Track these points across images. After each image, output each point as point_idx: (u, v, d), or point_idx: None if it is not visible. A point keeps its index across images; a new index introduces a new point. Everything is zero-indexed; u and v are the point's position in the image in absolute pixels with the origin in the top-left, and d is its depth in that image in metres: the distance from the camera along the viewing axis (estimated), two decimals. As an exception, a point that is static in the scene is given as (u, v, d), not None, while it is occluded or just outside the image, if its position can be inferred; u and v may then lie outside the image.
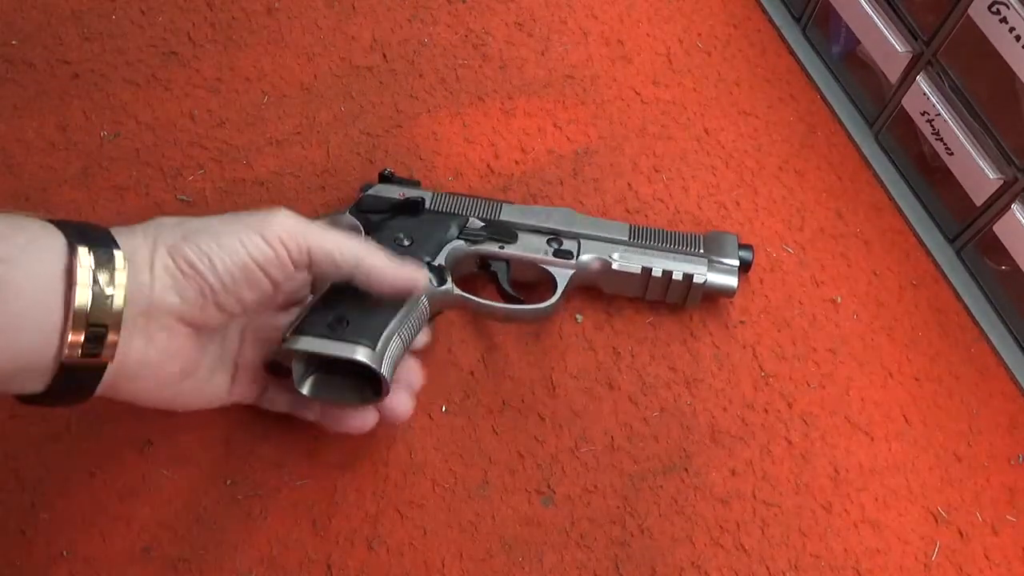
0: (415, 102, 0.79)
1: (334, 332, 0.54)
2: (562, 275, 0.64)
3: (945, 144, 0.71)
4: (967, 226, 0.72)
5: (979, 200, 0.69)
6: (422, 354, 0.64)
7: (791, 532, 0.62)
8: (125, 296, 0.46)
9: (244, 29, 0.82)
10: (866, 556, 0.62)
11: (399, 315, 0.56)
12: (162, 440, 0.62)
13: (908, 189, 0.77)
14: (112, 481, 0.60)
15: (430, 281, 0.60)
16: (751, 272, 0.72)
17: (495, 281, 0.64)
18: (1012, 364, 0.70)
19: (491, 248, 0.64)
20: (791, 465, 0.65)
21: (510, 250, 0.64)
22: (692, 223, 0.74)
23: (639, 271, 0.65)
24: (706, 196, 0.76)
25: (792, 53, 0.85)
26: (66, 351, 0.45)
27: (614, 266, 0.65)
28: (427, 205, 0.65)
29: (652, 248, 0.66)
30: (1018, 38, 0.61)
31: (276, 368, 0.60)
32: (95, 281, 0.44)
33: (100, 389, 0.48)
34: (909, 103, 0.73)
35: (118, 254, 0.46)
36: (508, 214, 0.66)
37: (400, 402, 0.58)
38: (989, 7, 0.63)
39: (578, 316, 0.69)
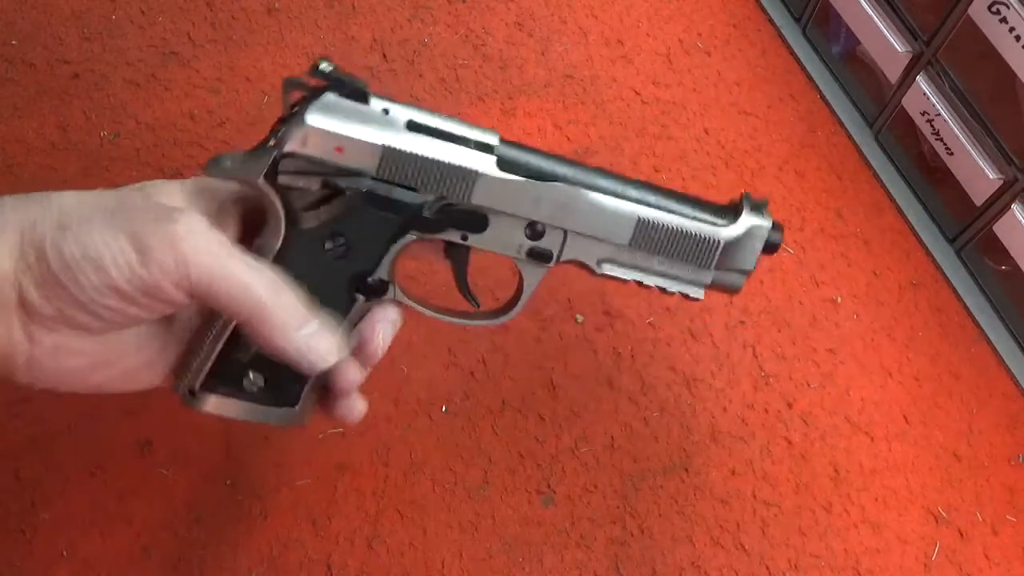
0: (415, 102, 0.79)
1: (249, 393, 0.47)
2: (532, 277, 0.51)
3: (945, 144, 0.71)
4: (967, 226, 0.72)
5: (979, 200, 0.69)
6: (420, 353, 0.64)
7: (791, 532, 0.62)
8: None
9: (244, 29, 0.82)
10: (866, 556, 0.62)
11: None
12: (162, 440, 0.62)
13: (908, 189, 0.77)
14: (112, 481, 0.60)
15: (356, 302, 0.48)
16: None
17: (454, 272, 0.51)
18: (1012, 364, 0.70)
19: (450, 237, 0.49)
20: (791, 465, 0.65)
21: (475, 241, 0.49)
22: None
23: (627, 281, 0.52)
24: (706, 196, 0.76)
25: (792, 53, 0.85)
26: None
27: (598, 273, 0.51)
28: (377, 172, 0.46)
29: (655, 254, 0.51)
30: (1018, 38, 0.61)
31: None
32: None
33: None
34: (909, 103, 0.73)
35: None
36: (482, 192, 0.47)
37: (349, 407, 0.50)
38: (989, 7, 0.63)
39: (578, 316, 0.69)
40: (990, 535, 0.63)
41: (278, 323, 0.43)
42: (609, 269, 0.51)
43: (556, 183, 0.48)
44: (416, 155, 0.46)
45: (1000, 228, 0.68)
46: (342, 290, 0.47)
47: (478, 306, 0.52)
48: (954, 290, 0.73)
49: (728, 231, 0.51)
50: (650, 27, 0.86)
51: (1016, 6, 0.61)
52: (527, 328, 0.68)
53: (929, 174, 0.76)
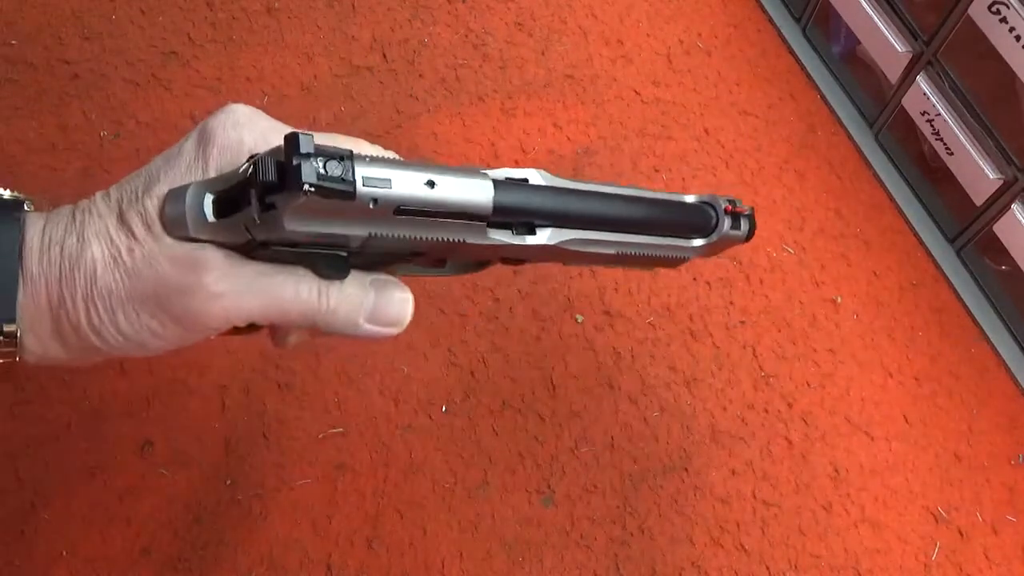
0: (415, 102, 0.79)
1: None
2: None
3: (945, 144, 0.71)
4: (967, 226, 0.72)
5: (979, 200, 0.69)
6: (420, 353, 0.64)
7: (791, 532, 0.62)
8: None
9: (244, 29, 0.82)
10: (866, 556, 0.62)
11: None
12: (162, 440, 0.62)
13: (908, 189, 0.77)
14: (112, 481, 0.60)
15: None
16: (751, 272, 0.72)
17: None
18: (1012, 364, 0.70)
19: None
20: (791, 465, 0.65)
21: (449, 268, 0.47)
22: (692, 223, 0.74)
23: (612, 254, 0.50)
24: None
25: (792, 53, 0.85)
26: None
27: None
28: (360, 247, 0.42)
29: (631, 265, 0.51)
30: (1018, 38, 0.61)
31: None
32: None
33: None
34: (909, 103, 0.73)
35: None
36: (469, 249, 0.45)
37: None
38: (989, 7, 0.63)
39: (578, 317, 0.69)
40: (990, 535, 0.63)
41: (338, 324, 0.42)
42: (588, 258, 0.49)
43: (544, 244, 0.46)
44: (403, 237, 0.42)
45: (1000, 228, 0.68)
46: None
47: (443, 266, 0.48)
48: (954, 290, 0.73)
49: (697, 244, 0.51)
50: (650, 27, 0.86)
51: (1016, 6, 0.61)
52: (527, 328, 0.68)
53: (929, 174, 0.76)
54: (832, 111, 0.82)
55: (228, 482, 0.61)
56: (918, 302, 0.73)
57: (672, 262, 0.52)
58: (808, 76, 0.84)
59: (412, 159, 0.42)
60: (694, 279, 0.72)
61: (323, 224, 0.39)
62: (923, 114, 0.72)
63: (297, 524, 0.60)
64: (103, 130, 0.76)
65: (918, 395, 0.68)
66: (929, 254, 0.75)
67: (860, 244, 0.75)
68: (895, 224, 0.76)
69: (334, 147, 0.37)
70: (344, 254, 0.42)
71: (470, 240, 0.43)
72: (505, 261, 0.48)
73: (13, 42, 0.80)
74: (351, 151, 0.38)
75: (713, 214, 0.52)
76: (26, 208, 0.40)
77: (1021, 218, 0.66)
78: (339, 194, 0.37)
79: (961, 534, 0.63)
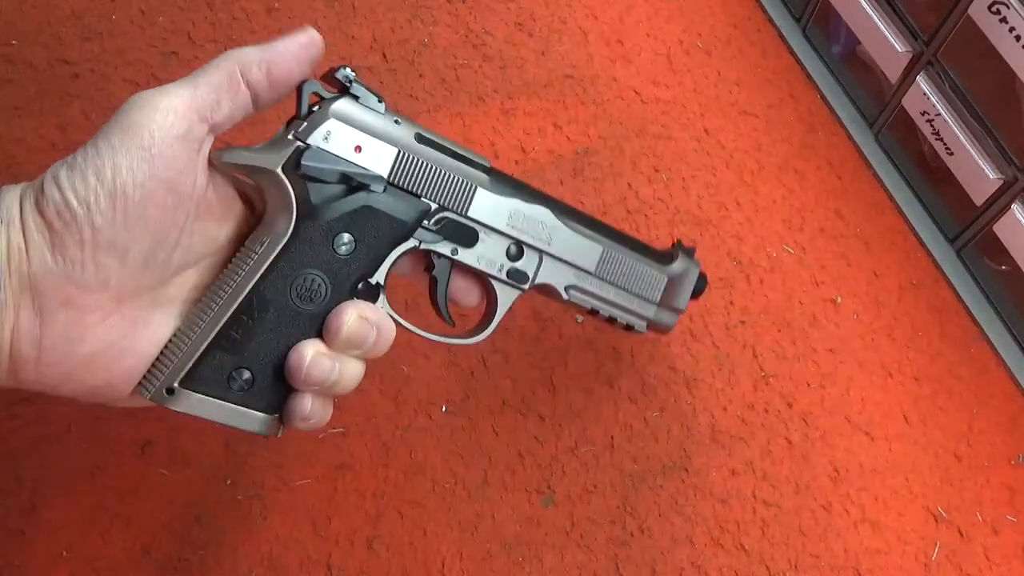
0: (415, 102, 0.79)
1: (233, 393, 0.45)
2: (506, 298, 0.54)
3: (945, 144, 0.71)
4: (967, 226, 0.72)
5: (979, 200, 0.69)
6: (420, 353, 0.64)
7: (791, 532, 0.62)
8: None
9: (244, 29, 0.82)
10: (866, 556, 0.62)
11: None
12: (162, 440, 0.62)
13: (908, 189, 0.77)
14: (112, 481, 0.60)
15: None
16: (751, 272, 0.72)
17: (431, 288, 0.53)
18: (1012, 364, 0.70)
19: (442, 249, 0.51)
20: (791, 465, 0.65)
21: (463, 256, 0.51)
22: (692, 223, 0.74)
23: (586, 310, 0.57)
24: (706, 196, 0.76)
25: (792, 53, 0.85)
26: None
27: (564, 298, 0.55)
28: (390, 176, 0.48)
29: (611, 284, 0.57)
30: (1018, 38, 0.61)
31: None
32: None
33: None
34: (909, 103, 0.73)
35: None
36: (479, 205, 0.51)
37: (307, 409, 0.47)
38: (989, 7, 0.63)
39: (578, 317, 0.69)
40: (990, 535, 0.63)
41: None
42: (575, 296, 0.56)
43: (542, 207, 0.53)
44: (426, 163, 0.49)
45: (1000, 228, 0.68)
46: (344, 289, 0.47)
47: (453, 324, 0.54)
48: (954, 290, 0.73)
49: (671, 268, 0.59)
50: (650, 27, 0.86)
51: (1016, 6, 0.61)
52: (527, 328, 0.68)
53: (929, 174, 0.76)
54: (832, 111, 0.82)
55: (228, 482, 0.61)
56: (918, 302, 0.73)
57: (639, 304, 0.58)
58: (808, 76, 0.84)
59: None
60: (694, 279, 0.72)
61: (362, 123, 0.47)
62: (923, 114, 0.72)
63: (297, 524, 0.60)
64: (103, 130, 0.76)
65: (918, 395, 0.68)
66: (929, 254, 0.75)
67: (860, 244, 0.75)
68: (895, 224, 0.76)
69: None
70: (375, 282, 0.48)
71: (481, 188, 0.51)
72: (511, 275, 0.54)
73: (13, 42, 0.80)
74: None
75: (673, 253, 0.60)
76: None
77: (1021, 218, 0.66)
78: (369, 98, 0.47)
79: (961, 534, 0.63)
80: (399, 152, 0.48)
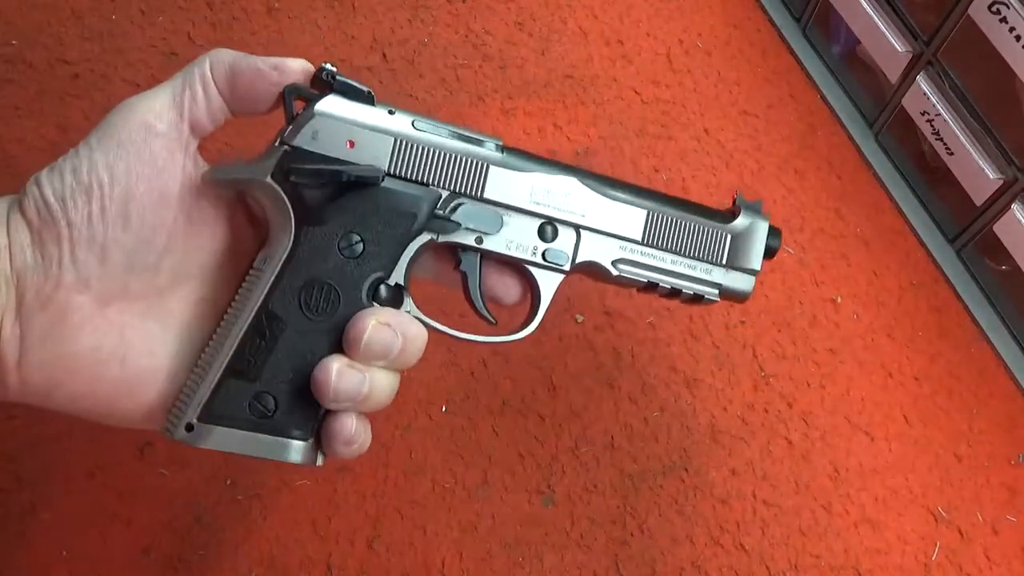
0: (415, 102, 0.79)
1: (258, 421, 0.43)
2: (549, 284, 0.49)
3: (945, 144, 0.71)
4: (967, 226, 0.72)
5: (979, 200, 0.69)
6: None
7: (791, 532, 0.62)
8: None
9: (244, 29, 0.82)
10: (866, 556, 0.62)
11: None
12: (162, 440, 0.62)
13: (908, 189, 0.77)
14: (112, 481, 0.60)
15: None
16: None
17: (464, 286, 0.49)
18: (1012, 364, 0.70)
19: (466, 240, 0.47)
20: (791, 465, 0.65)
21: (490, 244, 0.47)
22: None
23: (643, 283, 0.50)
24: (706, 196, 0.76)
25: (792, 53, 0.85)
26: None
27: (614, 274, 0.49)
28: (390, 167, 0.45)
29: (665, 251, 0.50)
30: (1018, 38, 0.61)
31: None
32: None
33: None
34: (909, 103, 0.73)
35: None
36: (495, 185, 0.46)
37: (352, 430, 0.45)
38: (989, 7, 0.63)
39: (578, 316, 0.69)
40: (990, 535, 0.63)
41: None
42: (625, 271, 0.49)
43: (567, 176, 0.48)
44: (428, 148, 0.45)
45: (1000, 228, 0.68)
46: (359, 295, 0.44)
47: (494, 322, 0.49)
48: (954, 290, 0.73)
49: (733, 224, 0.51)
50: (650, 27, 0.86)
51: (1016, 6, 0.61)
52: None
53: (929, 174, 0.76)
54: (832, 111, 0.82)
55: (228, 482, 0.61)
56: (918, 302, 0.73)
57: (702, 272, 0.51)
58: (808, 76, 0.84)
59: None
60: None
61: (351, 116, 0.44)
62: (923, 114, 0.72)
63: (297, 524, 0.60)
64: (103, 130, 0.76)
65: (918, 395, 0.68)
66: (929, 254, 0.75)
67: (860, 244, 0.75)
68: (895, 224, 0.76)
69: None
70: (393, 283, 0.46)
71: (493, 165, 0.47)
72: (548, 258, 0.49)
73: (13, 42, 0.80)
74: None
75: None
76: None
77: (1021, 218, 0.66)
78: (359, 95, 0.45)
79: (961, 534, 0.63)
80: (395, 140, 0.44)
